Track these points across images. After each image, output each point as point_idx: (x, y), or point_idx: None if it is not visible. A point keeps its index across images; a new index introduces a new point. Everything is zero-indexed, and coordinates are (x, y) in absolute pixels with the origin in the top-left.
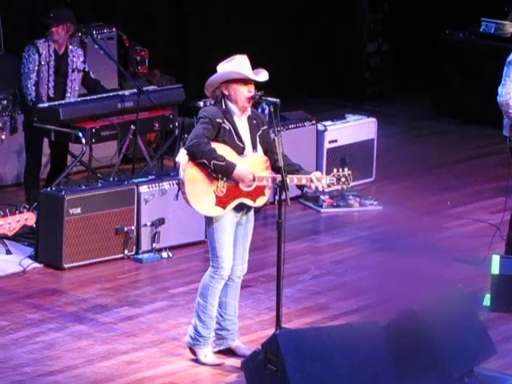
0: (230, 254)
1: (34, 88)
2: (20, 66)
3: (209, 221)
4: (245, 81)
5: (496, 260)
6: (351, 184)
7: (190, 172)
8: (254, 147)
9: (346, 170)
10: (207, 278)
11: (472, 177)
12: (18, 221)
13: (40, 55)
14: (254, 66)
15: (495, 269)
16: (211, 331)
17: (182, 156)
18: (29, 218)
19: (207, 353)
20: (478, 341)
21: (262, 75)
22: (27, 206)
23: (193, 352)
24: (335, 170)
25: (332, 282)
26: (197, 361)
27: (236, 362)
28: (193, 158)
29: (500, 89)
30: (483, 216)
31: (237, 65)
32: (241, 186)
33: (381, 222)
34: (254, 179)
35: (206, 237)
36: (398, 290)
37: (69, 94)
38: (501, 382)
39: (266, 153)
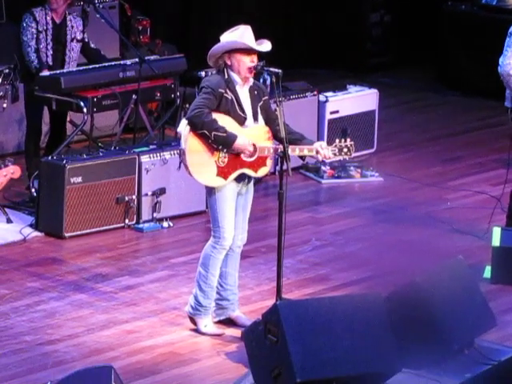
0: (232, 224)
1: (35, 55)
2: (19, 36)
3: (210, 191)
4: (248, 51)
5: (497, 232)
6: (353, 155)
7: (191, 142)
8: (255, 118)
9: (348, 140)
10: (209, 248)
11: (473, 148)
12: (5, 175)
13: (37, 23)
14: (256, 37)
15: (496, 241)
16: (211, 301)
17: (183, 126)
18: (15, 172)
19: (207, 323)
20: (479, 312)
21: (265, 45)
22: (12, 160)
23: (193, 322)
24: (337, 141)
25: (332, 253)
26: (197, 331)
27: (236, 332)
28: (194, 128)
29: (501, 59)
30: (484, 188)
31: (240, 35)
32: (242, 156)
33: (382, 193)
34: (255, 150)
35: (207, 207)
36: (398, 262)
37: (67, 64)
38: (501, 354)
39: (266, 123)
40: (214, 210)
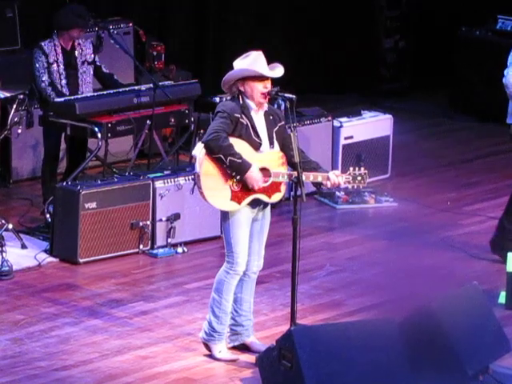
0: (246, 249)
1: (50, 88)
2: (32, 70)
3: (225, 216)
4: (260, 77)
5: (511, 258)
6: (367, 182)
7: (206, 166)
8: (271, 143)
9: (362, 168)
10: (222, 274)
11: (488, 174)
12: None
13: (47, 56)
14: (271, 62)
15: (510, 266)
16: (225, 327)
17: (198, 150)
18: None
19: (221, 348)
20: (493, 338)
21: (278, 71)
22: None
23: (207, 348)
24: (351, 169)
25: (347, 278)
26: (211, 356)
27: (250, 358)
28: (210, 152)
29: (506, 70)
30: (499, 213)
31: (252, 61)
32: None
33: (396, 218)
34: (269, 175)
35: (221, 232)
36: (412, 287)
37: (81, 87)
38: None
39: (282, 148)
40: (228, 235)
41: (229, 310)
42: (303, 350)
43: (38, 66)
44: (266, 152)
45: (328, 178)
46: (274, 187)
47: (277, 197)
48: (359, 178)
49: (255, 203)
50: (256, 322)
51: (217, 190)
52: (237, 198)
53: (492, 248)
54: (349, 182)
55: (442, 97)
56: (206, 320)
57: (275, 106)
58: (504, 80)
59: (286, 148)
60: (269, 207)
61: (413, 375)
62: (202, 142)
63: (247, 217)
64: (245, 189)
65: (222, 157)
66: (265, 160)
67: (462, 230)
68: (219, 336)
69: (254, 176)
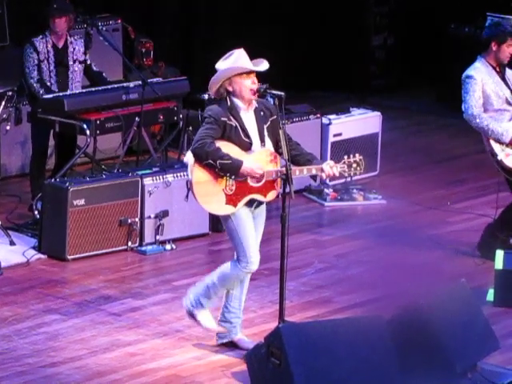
0: (257, 245)
1: (39, 85)
2: (22, 66)
3: (226, 219)
4: (247, 73)
5: (500, 255)
6: (353, 179)
7: (196, 174)
8: (262, 141)
9: (357, 155)
10: (234, 269)
11: (476, 171)
12: None
13: (38, 53)
14: (259, 59)
15: (499, 264)
16: (212, 305)
17: (189, 157)
18: None
19: (205, 314)
20: (482, 336)
21: (263, 65)
22: None
23: (191, 315)
24: (346, 157)
25: (335, 275)
26: (199, 351)
27: (238, 355)
28: (199, 159)
29: (463, 106)
30: (487, 211)
31: (236, 59)
32: (250, 182)
33: (385, 216)
34: (262, 175)
35: (210, 229)
36: (401, 285)
37: (71, 85)
38: (504, 377)
39: (277, 143)
40: (235, 236)
41: (222, 294)
42: (291, 347)
43: (28, 62)
44: (255, 152)
45: (322, 170)
46: (269, 186)
47: (272, 195)
48: (354, 165)
49: (250, 202)
50: (244, 318)
51: (210, 195)
52: (232, 201)
53: (481, 252)
54: (344, 171)
55: (430, 94)
56: (194, 292)
57: None
58: (464, 116)
59: (280, 143)
60: (264, 205)
61: (401, 372)
62: (190, 151)
63: (247, 213)
64: (239, 191)
65: (212, 162)
66: (256, 160)
67: (451, 228)
68: (203, 308)
69: (249, 167)
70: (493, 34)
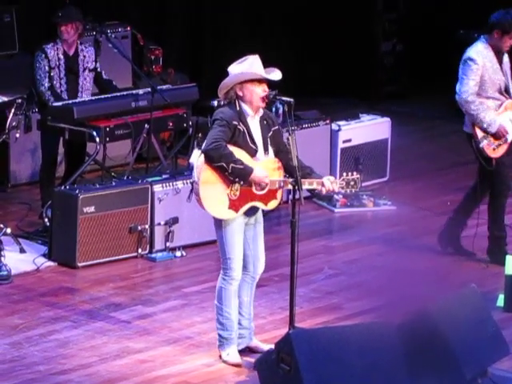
0: (240, 255)
1: (49, 92)
2: (32, 72)
3: (219, 224)
4: (259, 80)
5: (510, 260)
6: (362, 185)
7: (205, 175)
8: (266, 148)
9: (354, 173)
10: (220, 281)
11: None
12: None
13: (49, 60)
14: (269, 65)
15: (509, 269)
16: (232, 332)
17: (195, 157)
18: None
19: (230, 351)
20: (492, 341)
21: (275, 74)
22: None
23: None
24: (344, 174)
25: (345, 281)
26: (211, 360)
27: (249, 362)
28: (210, 160)
29: (458, 86)
30: None
31: (250, 65)
32: (254, 189)
33: (394, 221)
34: (267, 183)
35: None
36: (411, 291)
37: (80, 93)
38: None
39: (277, 153)
40: (222, 242)
41: (232, 316)
42: (302, 354)
43: (39, 69)
44: (261, 160)
45: (323, 184)
46: (271, 195)
47: (273, 204)
48: (352, 183)
49: (249, 210)
50: (255, 325)
51: (215, 198)
52: (234, 206)
53: (491, 259)
54: (342, 188)
55: (439, 100)
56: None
57: (273, 109)
58: (457, 97)
59: (281, 153)
60: (260, 211)
61: (411, 378)
62: (202, 151)
63: (240, 224)
64: (242, 197)
65: (224, 165)
66: (262, 168)
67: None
68: (227, 342)
69: (259, 174)
70: (499, 22)
